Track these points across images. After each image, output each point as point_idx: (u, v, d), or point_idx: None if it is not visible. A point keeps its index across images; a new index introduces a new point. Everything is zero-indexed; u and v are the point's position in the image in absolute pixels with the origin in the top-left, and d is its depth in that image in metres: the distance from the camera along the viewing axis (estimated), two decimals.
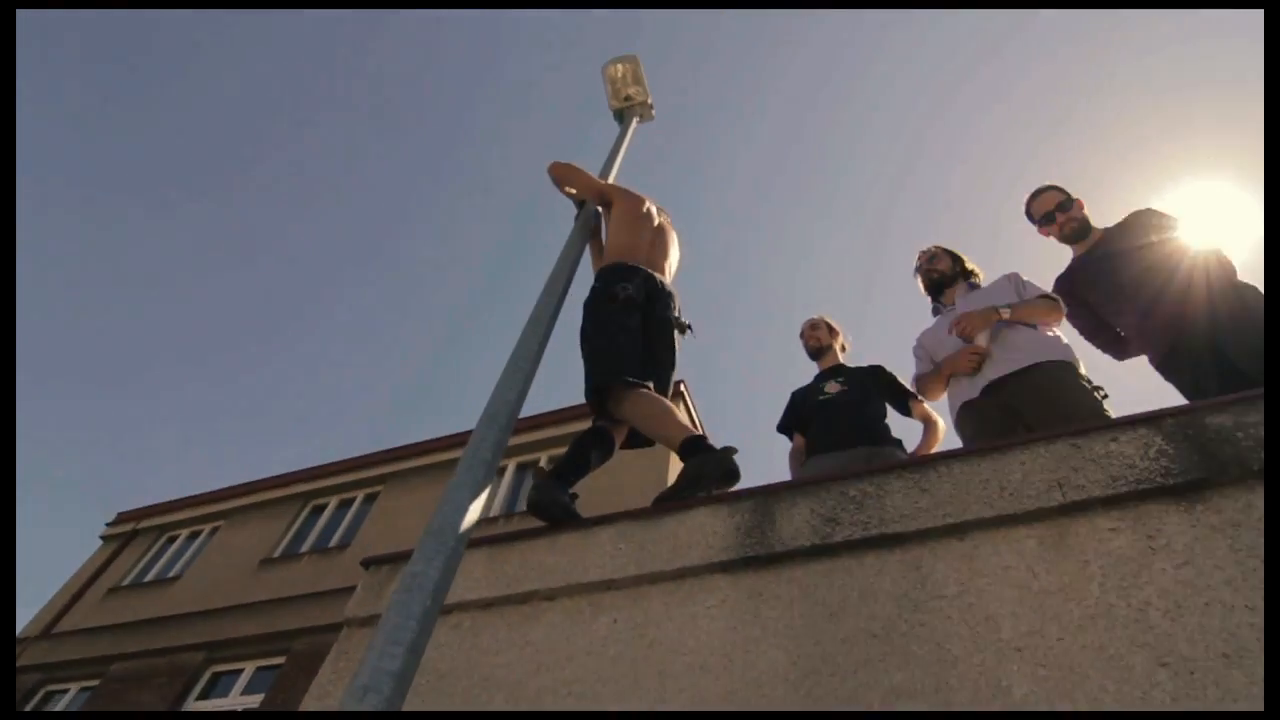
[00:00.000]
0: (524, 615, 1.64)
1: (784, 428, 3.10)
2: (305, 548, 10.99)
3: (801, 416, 3.01)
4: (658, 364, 2.35)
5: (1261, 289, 2.34)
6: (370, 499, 11.48)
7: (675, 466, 8.79)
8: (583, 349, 2.36)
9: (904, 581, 1.38)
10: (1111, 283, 2.56)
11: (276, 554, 10.99)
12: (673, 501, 1.77)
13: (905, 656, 1.26)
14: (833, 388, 2.96)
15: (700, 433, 1.97)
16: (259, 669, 9.01)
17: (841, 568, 1.45)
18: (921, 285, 3.00)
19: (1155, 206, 2.64)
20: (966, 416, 2.50)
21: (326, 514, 11.64)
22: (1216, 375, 2.27)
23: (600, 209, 2.82)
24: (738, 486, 1.82)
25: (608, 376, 2.21)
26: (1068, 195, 2.78)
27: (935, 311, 2.97)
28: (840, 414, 2.82)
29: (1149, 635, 1.16)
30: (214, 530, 12.52)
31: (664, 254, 2.73)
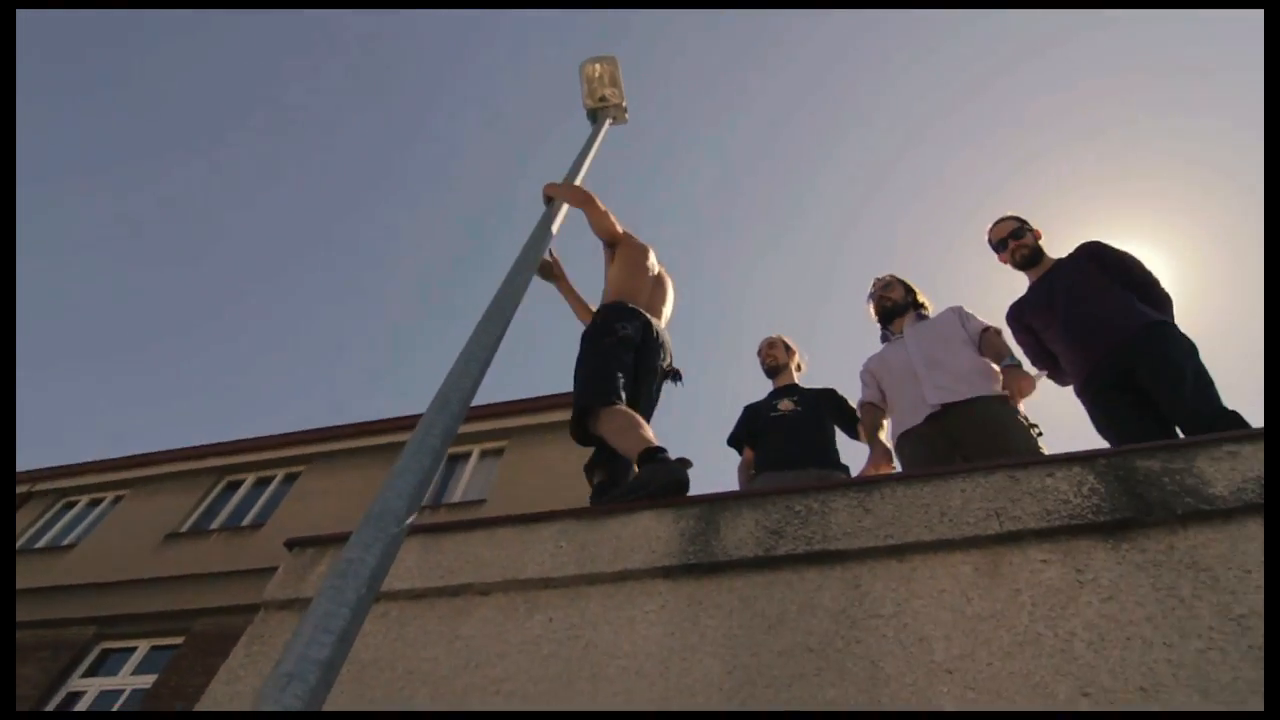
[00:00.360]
0: (455, 609, 1.59)
1: (734, 441, 3.12)
2: (216, 524, 10.50)
3: (753, 431, 3.04)
4: (638, 410, 2.38)
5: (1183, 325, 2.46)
6: (291, 479, 11.04)
7: None
8: (575, 378, 2.38)
9: (843, 598, 1.39)
10: (1050, 310, 2.68)
11: (184, 529, 10.46)
12: (617, 504, 1.75)
13: (840, 673, 1.27)
14: (786, 405, 3.00)
15: (660, 445, 1.97)
16: (153, 648, 8.55)
17: (782, 581, 1.46)
18: (873, 311, 3.07)
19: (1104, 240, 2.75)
20: (906, 442, 2.57)
21: (242, 491, 11.15)
22: (1131, 406, 2.38)
23: (605, 248, 2.92)
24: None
25: (593, 399, 2.24)
26: (1021, 224, 2.90)
27: (884, 338, 3.04)
28: (791, 432, 2.85)
29: (1073, 665, 1.19)
30: (117, 499, 11.85)
31: (662, 302, 2.83)
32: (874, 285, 3.11)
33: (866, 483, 1.60)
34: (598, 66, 4.38)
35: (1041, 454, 2.27)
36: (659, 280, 2.88)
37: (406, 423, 10.43)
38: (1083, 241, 2.78)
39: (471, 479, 9.94)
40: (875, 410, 2.87)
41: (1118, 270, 2.62)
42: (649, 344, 2.52)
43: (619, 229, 2.88)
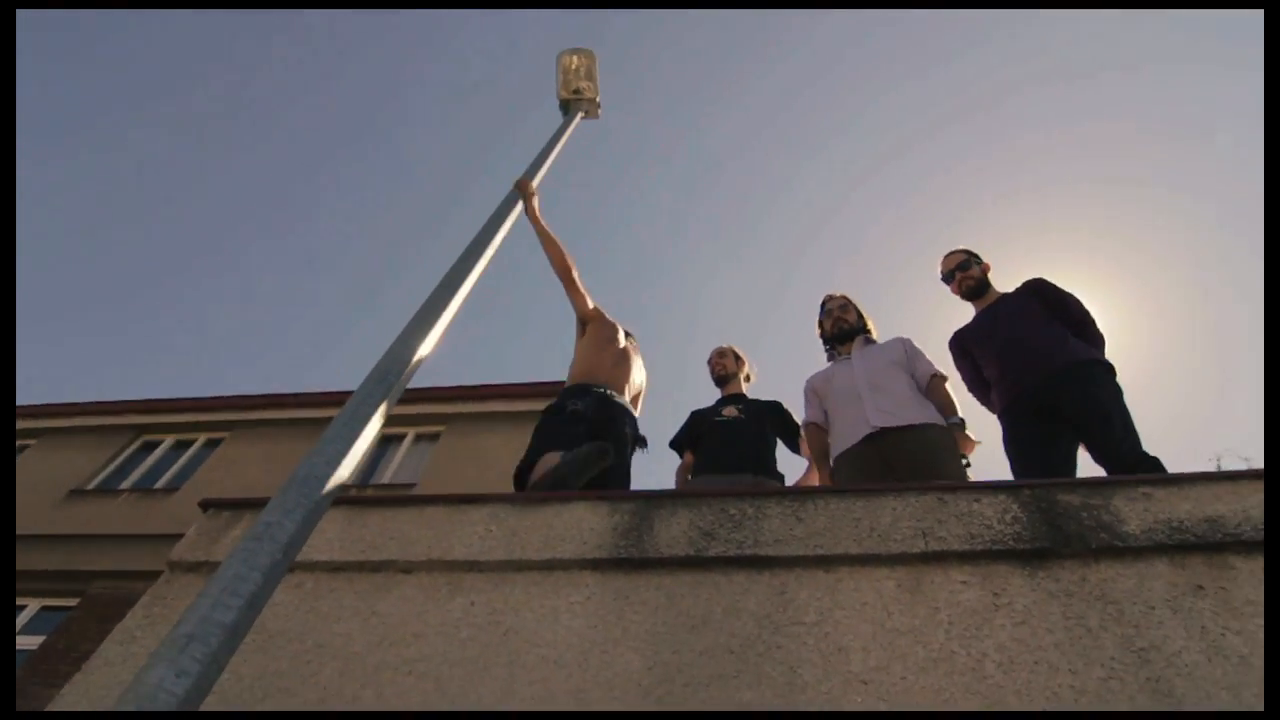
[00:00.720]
0: (375, 584, 1.54)
1: (677, 443, 3.13)
2: (126, 484, 10.00)
3: (695, 435, 3.05)
4: (610, 475, 2.39)
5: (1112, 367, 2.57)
6: (212, 444, 10.60)
7: None
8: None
9: (768, 603, 1.40)
10: (990, 340, 2.79)
11: (90, 486, 9.93)
12: (552, 492, 1.73)
13: (758, 676, 1.28)
14: (730, 412, 3.03)
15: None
16: (45, 608, 8.09)
17: (710, 582, 1.46)
18: (827, 329, 3.10)
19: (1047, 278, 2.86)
20: (844, 462, 2.62)
21: (158, 452, 10.64)
22: (1044, 435, 2.48)
23: (577, 322, 3.01)
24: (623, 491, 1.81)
25: (531, 456, 2.27)
26: (969, 257, 3.02)
27: (830, 358, 3.09)
28: (732, 438, 2.88)
29: (983, 685, 1.23)
30: (22, 448, 11.20)
31: (625, 377, 2.91)
32: (830, 303, 3.14)
33: (801, 493, 1.62)
34: (575, 58, 4.35)
35: (970, 480, 2.34)
36: (624, 355, 2.96)
37: (340, 398, 10.14)
38: (1029, 278, 2.89)
39: (404, 462, 9.72)
40: (820, 431, 2.90)
41: (1058, 307, 2.74)
42: (608, 415, 2.56)
43: (590, 306, 2.97)
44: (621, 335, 3.02)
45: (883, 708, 1.21)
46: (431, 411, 9.93)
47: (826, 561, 1.46)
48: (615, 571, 1.50)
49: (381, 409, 1.27)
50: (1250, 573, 1.37)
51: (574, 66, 4.27)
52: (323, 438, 1.20)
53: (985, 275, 2.98)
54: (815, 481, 2.99)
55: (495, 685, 1.31)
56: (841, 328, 3.06)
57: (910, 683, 1.24)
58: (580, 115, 4.24)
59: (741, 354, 3.39)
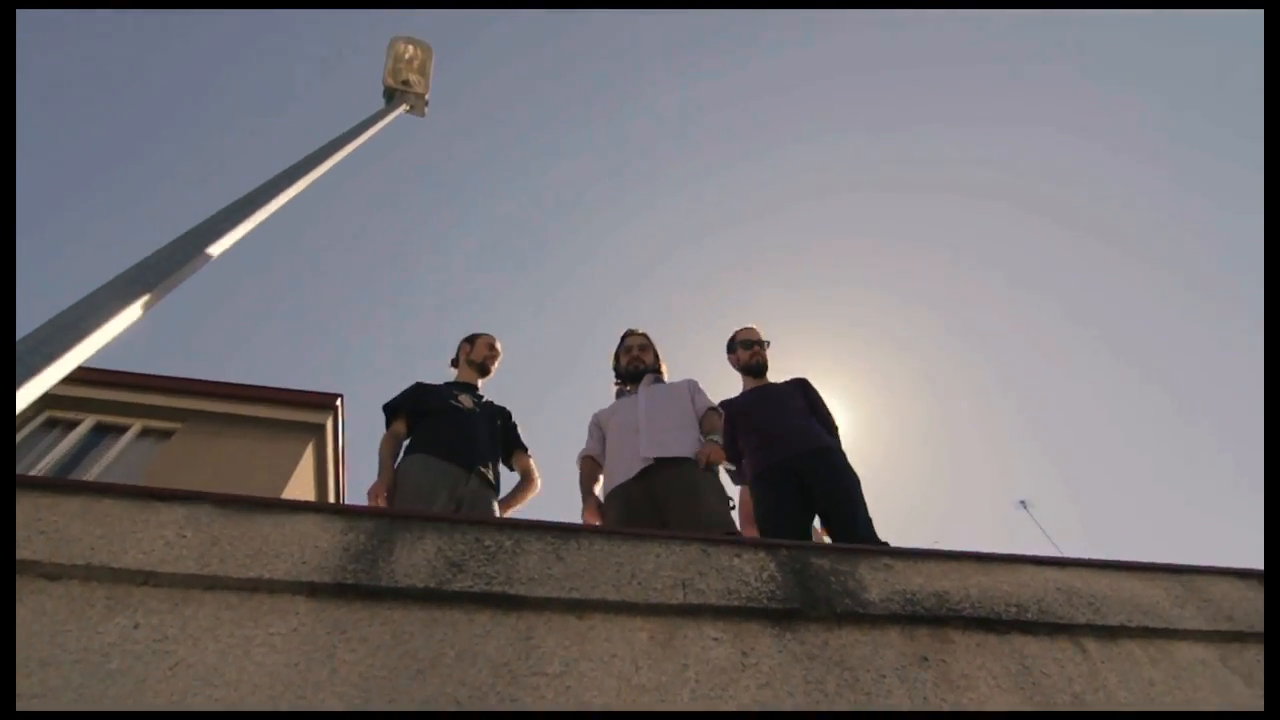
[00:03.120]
0: None
1: (393, 408, 2.82)
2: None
3: (420, 408, 2.82)
4: None
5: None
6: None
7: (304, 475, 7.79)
8: None
9: (510, 650, 1.25)
10: (755, 414, 3.01)
11: None
12: (280, 499, 1.46)
13: None
14: (466, 400, 2.90)
15: None
16: None
17: (448, 620, 1.28)
18: (622, 364, 3.14)
19: (811, 381, 3.16)
20: (615, 499, 2.58)
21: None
22: (791, 500, 2.67)
23: None
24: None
25: None
26: (754, 339, 3.23)
27: (619, 394, 3.10)
28: (462, 427, 2.74)
29: None
30: None
31: None
32: (630, 339, 3.20)
33: (566, 529, 1.50)
34: (411, 48, 4.10)
35: (735, 533, 2.38)
36: None
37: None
38: (797, 376, 3.25)
39: (121, 457, 8.18)
40: (593, 464, 2.87)
41: (813, 403, 3.11)
42: None
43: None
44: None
45: None
46: (166, 404, 8.53)
47: (581, 607, 1.34)
48: (336, 600, 1.26)
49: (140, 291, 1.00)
50: (966, 647, 1.46)
51: (407, 56, 4.01)
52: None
53: (758, 356, 3.27)
54: (524, 500, 2.93)
55: None
56: (637, 367, 3.10)
57: None
58: (404, 108, 3.98)
59: (499, 357, 3.27)
